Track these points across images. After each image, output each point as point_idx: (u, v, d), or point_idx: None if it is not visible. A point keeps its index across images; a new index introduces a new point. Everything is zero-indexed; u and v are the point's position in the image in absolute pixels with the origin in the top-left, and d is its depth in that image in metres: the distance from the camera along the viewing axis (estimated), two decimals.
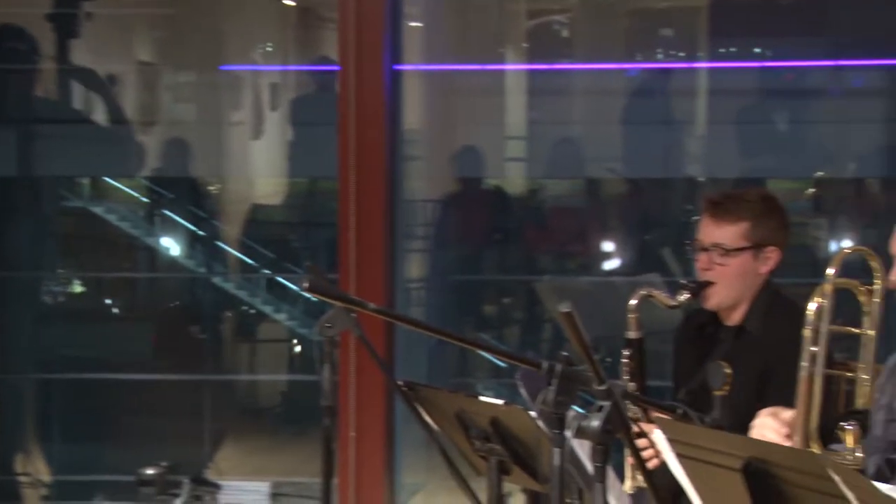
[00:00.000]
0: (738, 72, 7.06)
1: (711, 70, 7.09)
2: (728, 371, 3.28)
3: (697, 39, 7.19)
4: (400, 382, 3.35)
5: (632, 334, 3.54)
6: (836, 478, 2.09)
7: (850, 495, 2.09)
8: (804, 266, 3.33)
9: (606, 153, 7.20)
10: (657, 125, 7.05)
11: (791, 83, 6.99)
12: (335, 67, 5.21)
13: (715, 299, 3.69)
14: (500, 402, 3.11)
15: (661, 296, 3.62)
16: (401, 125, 5.47)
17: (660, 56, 7.32)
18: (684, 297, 3.63)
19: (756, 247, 3.68)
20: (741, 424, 3.26)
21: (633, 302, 3.55)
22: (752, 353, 3.56)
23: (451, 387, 5.01)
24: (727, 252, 3.66)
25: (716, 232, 3.69)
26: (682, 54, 7.29)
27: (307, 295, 3.18)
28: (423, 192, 7.06)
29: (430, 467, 6.02)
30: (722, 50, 7.21)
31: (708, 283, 3.67)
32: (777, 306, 3.69)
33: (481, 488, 3.25)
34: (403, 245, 6.04)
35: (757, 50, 7.08)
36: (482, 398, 3.23)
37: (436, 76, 7.01)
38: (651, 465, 3.20)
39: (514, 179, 7.45)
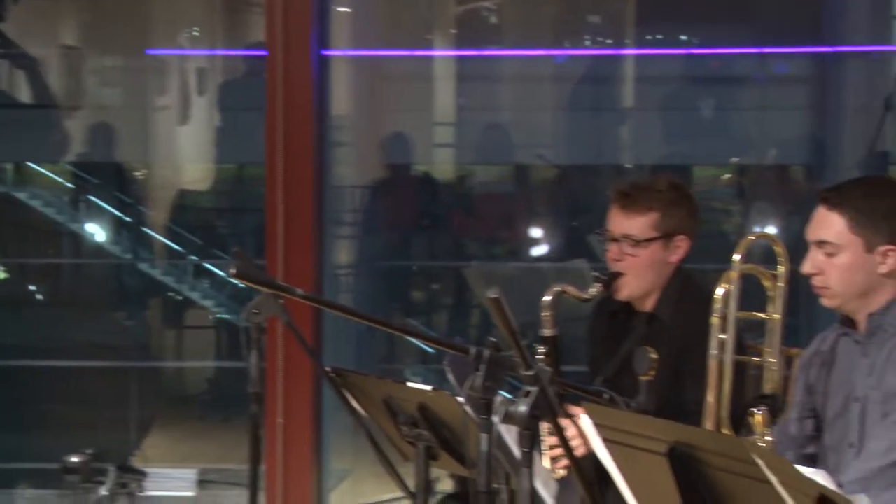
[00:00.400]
0: (664, 58, 7.11)
1: (638, 57, 7.14)
2: (654, 356, 3.30)
3: (625, 26, 7.22)
4: (328, 369, 3.34)
5: (546, 332, 3.50)
6: (760, 462, 2.11)
7: (773, 479, 2.11)
8: (727, 252, 3.35)
9: (535, 139, 7.23)
10: (585, 112, 7.09)
11: (716, 70, 7.05)
12: (263, 53, 5.18)
13: (626, 290, 3.70)
14: (428, 387, 3.12)
15: (575, 291, 3.61)
16: (329, 111, 5.45)
17: (587, 43, 7.35)
18: (596, 289, 3.63)
19: (666, 236, 3.68)
20: (656, 411, 3.29)
21: (546, 299, 3.53)
22: (665, 341, 3.58)
23: (379, 373, 5.00)
24: (637, 243, 3.66)
25: (625, 223, 3.69)
26: (609, 41, 7.32)
27: (234, 281, 3.15)
28: (351, 178, 7.05)
29: (358, 453, 6.02)
30: (649, 37, 7.25)
31: (619, 274, 3.68)
32: (688, 293, 3.70)
33: (409, 474, 3.26)
34: (332, 231, 6.03)
35: (683, 37, 7.13)
36: (410, 384, 3.23)
37: (364, 62, 7.00)
38: (578, 452, 3.21)
39: (442, 165, 7.45)
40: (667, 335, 3.59)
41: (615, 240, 3.70)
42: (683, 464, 2.26)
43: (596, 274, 3.70)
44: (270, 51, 5.08)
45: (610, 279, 3.66)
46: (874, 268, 3.19)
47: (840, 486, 2.53)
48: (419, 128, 7.21)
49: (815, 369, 3.38)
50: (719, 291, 3.28)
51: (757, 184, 7.10)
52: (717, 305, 3.28)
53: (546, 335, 3.50)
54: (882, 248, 3.18)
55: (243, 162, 7.35)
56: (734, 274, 3.27)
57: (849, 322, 3.30)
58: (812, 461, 3.32)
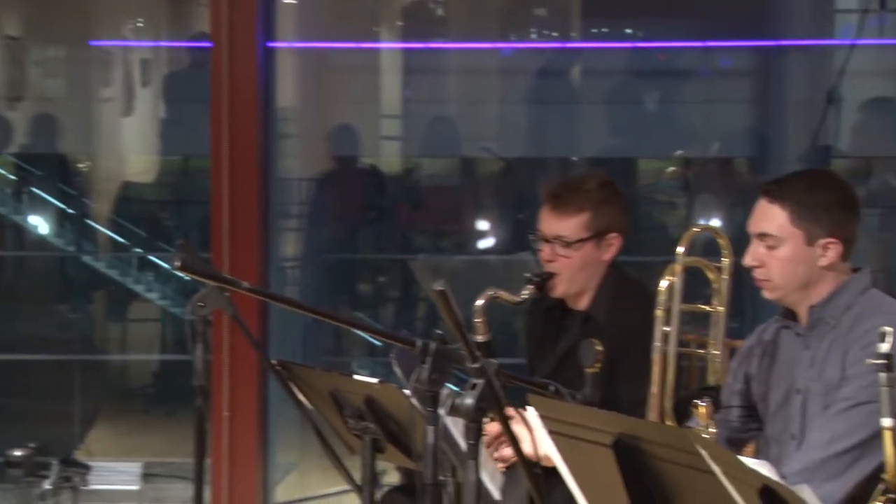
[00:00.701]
0: (609, 52, 7.13)
1: (584, 50, 7.16)
2: (599, 348, 3.32)
3: (570, 20, 7.25)
4: (274, 362, 3.33)
5: (479, 338, 3.48)
6: (704, 453, 2.13)
7: (716, 469, 2.13)
8: (671, 245, 3.36)
9: (481, 132, 7.24)
10: (531, 105, 7.10)
11: (661, 63, 7.09)
12: (208, 44, 5.15)
13: (560, 289, 3.71)
14: (374, 380, 3.12)
15: (507, 296, 3.60)
16: (274, 103, 5.43)
17: (533, 36, 7.37)
18: (529, 291, 3.63)
19: (598, 235, 3.68)
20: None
21: (479, 303, 3.53)
22: (600, 339, 3.59)
23: (325, 366, 5.01)
24: (569, 244, 3.66)
25: (556, 224, 3.68)
26: (555, 34, 7.34)
27: (179, 274, 3.14)
28: (297, 170, 7.03)
29: (304, 446, 6.01)
30: (594, 30, 7.28)
31: (552, 275, 3.68)
32: (622, 290, 3.71)
33: (355, 467, 3.25)
34: (278, 223, 6.01)
35: (628, 31, 7.16)
36: (357, 377, 3.23)
37: (310, 54, 6.98)
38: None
39: (389, 158, 7.45)
40: (601, 335, 3.60)
41: (547, 240, 3.70)
42: (628, 455, 2.27)
43: (528, 275, 3.69)
44: (215, 42, 5.05)
45: (542, 280, 3.66)
46: (815, 260, 3.22)
47: (783, 477, 2.56)
48: (366, 120, 7.20)
49: (756, 361, 3.40)
50: (663, 284, 3.30)
51: (701, 176, 7.14)
52: (662, 298, 3.30)
53: (479, 341, 3.47)
54: (822, 241, 3.21)
55: (188, 154, 7.31)
56: (678, 266, 3.29)
57: (790, 314, 3.33)
58: (741, 446, 3.34)
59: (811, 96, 6.67)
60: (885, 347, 2.56)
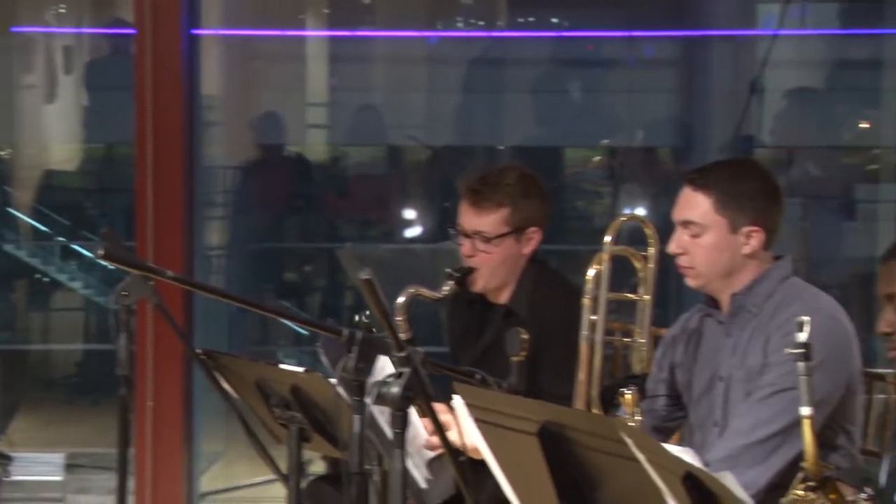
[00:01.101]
0: (536, 41, 7.16)
1: (510, 39, 7.18)
2: (525, 337, 3.33)
3: (497, 9, 7.26)
4: (198, 351, 3.31)
5: (401, 336, 3.49)
6: (628, 440, 2.14)
7: (641, 457, 2.14)
8: (598, 234, 3.38)
9: (407, 121, 7.23)
10: (457, 93, 7.11)
11: (587, 53, 7.12)
12: (131, 31, 5.10)
13: (480, 284, 3.71)
14: (300, 369, 3.10)
15: (428, 292, 3.60)
16: (199, 90, 5.39)
17: (460, 25, 7.38)
18: (449, 287, 3.63)
19: (518, 230, 3.67)
20: None
21: (400, 301, 3.53)
22: None
23: (251, 355, 4.97)
24: (489, 240, 3.66)
25: (476, 220, 3.66)
26: (481, 23, 7.35)
27: (103, 262, 3.11)
28: (223, 158, 6.99)
29: (230, 436, 5.98)
30: (521, 20, 7.30)
31: (472, 270, 3.68)
32: (543, 284, 3.72)
33: (281, 456, 3.24)
34: (203, 212, 5.97)
35: (554, 20, 7.19)
36: (282, 366, 3.21)
37: (235, 41, 6.93)
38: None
39: (315, 146, 7.43)
40: (523, 328, 3.61)
41: (467, 235, 3.69)
42: (554, 443, 2.28)
43: (448, 271, 3.69)
44: (139, 29, 5.00)
45: (463, 275, 3.66)
46: (738, 248, 3.25)
47: (707, 464, 2.58)
48: (291, 108, 7.17)
49: (681, 349, 3.43)
50: (590, 273, 3.32)
51: (626, 165, 7.19)
52: (589, 287, 3.32)
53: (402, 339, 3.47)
54: (746, 229, 3.24)
55: (112, 142, 7.24)
56: (605, 255, 3.30)
57: (713, 302, 3.36)
58: (656, 434, 3.37)
59: (734, 86, 6.73)
60: (803, 337, 2.58)
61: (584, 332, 3.30)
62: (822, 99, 6.93)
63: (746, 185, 3.25)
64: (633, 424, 3.15)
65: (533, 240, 3.72)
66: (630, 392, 3.17)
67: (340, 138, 7.42)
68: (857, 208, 6.77)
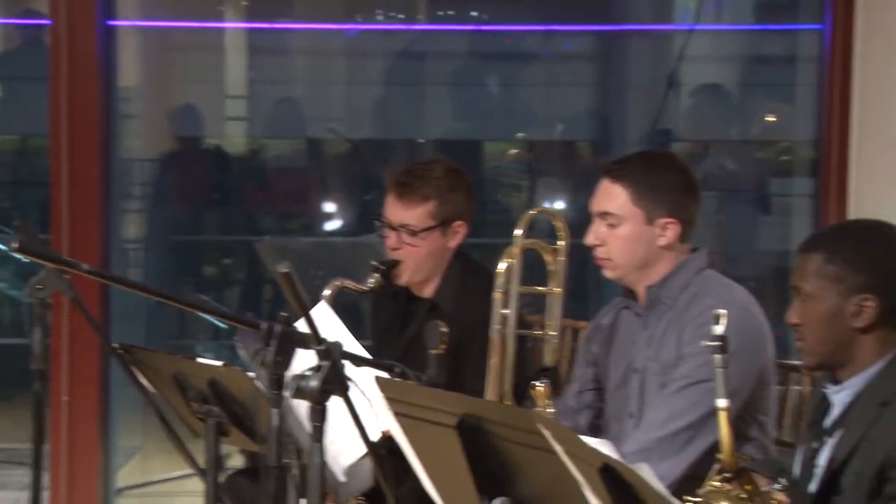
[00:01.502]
0: (454, 34, 7.17)
1: (429, 32, 7.18)
2: (444, 329, 3.33)
3: (416, 2, 7.26)
4: (115, 345, 3.28)
5: None
6: (546, 432, 2.16)
7: (558, 449, 2.16)
8: (514, 227, 3.40)
9: (327, 114, 7.22)
10: (376, 86, 7.10)
11: (505, 47, 7.14)
12: (45, 21, 5.04)
13: (405, 277, 3.71)
14: (218, 363, 3.09)
15: (354, 285, 3.60)
16: (116, 82, 5.34)
17: (379, 17, 7.36)
18: (375, 280, 3.63)
19: (444, 224, 3.68)
20: None
21: (326, 293, 3.53)
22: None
23: (169, 349, 4.94)
24: (415, 233, 3.66)
25: (402, 213, 3.68)
26: (401, 16, 7.35)
27: (17, 256, 3.07)
28: (140, 150, 6.92)
29: (147, 430, 5.94)
30: (440, 13, 7.30)
31: (397, 263, 3.68)
32: (468, 278, 3.73)
33: (199, 450, 3.22)
34: (119, 205, 5.92)
35: (473, 13, 7.20)
36: (200, 360, 3.19)
37: (153, 33, 6.87)
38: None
39: (234, 139, 7.38)
40: (447, 321, 3.62)
41: (393, 228, 3.69)
42: (472, 436, 2.29)
43: (374, 263, 3.69)
44: (54, 20, 4.95)
45: (388, 268, 3.66)
46: (654, 240, 3.28)
47: (624, 456, 2.60)
48: (210, 100, 7.12)
49: (598, 341, 3.46)
50: (501, 266, 3.33)
51: (544, 159, 7.22)
52: (500, 280, 3.33)
53: None
54: (661, 221, 3.27)
55: (26, 134, 7.14)
56: (516, 249, 3.32)
57: (630, 294, 3.39)
58: (593, 431, 3.40)
59: (651, 80, 6.79)
60: (719, 329, 2.61)
61: (496, 325, 3.32)
62: (738, 93, 7.00)
63: (663, 178, 3.28)
64: (550, 416, 3.17)
65: (459, 233, 3.72)
66: (542, 385, 3.19)
67: (259, 131, 7.38)
68: (772, 202, 6.85)
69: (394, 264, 3.67)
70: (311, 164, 7.42)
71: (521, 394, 3.29)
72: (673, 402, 3.15)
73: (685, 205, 3.30)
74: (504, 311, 3.32)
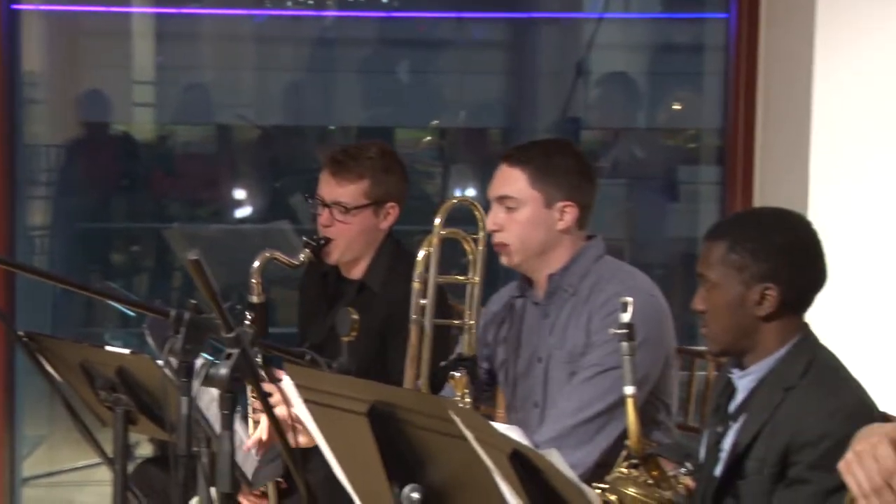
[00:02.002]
0: (366, 20, 7.15)
1: (340, 18, 7.16)
2: (355, 317, 3.33)
3: None
4: (21, 333, 3.24)
5: (254, 298, 3.52)
6: (457, 419, 2.17)
7: (469, 435, 2.17)
8: (428, 215, 3.41)
9: (236, 100, 7.17)
10: (287, 72, 7.07)
11: (417, 34, 7.14)
12: None
13: (335, 255, 3.74)
14: (126, 351, 3.06)
15: (284, 258, 3.63)
16: (20, 67, 5.27)
17: (289, 3, 7.33)
18: (305, 255, 3.66)
19: (376, 203, 3.73)
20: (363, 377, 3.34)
21: (255, 265, 3.54)
22: (374, 308, 3.63)
23: (76, 337, 4.89)
24: (347, 210, 3.70)
25: (336, 190, 3.72)
26: (311, 2, 7.32)
27: None
28: (46, 136, 6.83)
29: (54, 419, 5.88)
30: None
31: (328, 240, 3.71)
32: (398, 261, 3.76)
33: (107, 439, 3.20)
34: (25, 191, 5.84)
35: (384, 0, 7.19)
36: (108, 348, 3.17)
37: (58, 17, 6.78)
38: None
39: (142, 125, 7.31)
40: (375, 303, 3.63)
41: (326, 205, 3.72)
42: (383, 423, 2.29)
43: (305, 239, 3.72)
44: None
45: (319, 245, 3.69)
46: (553, 224, 3.31)
47: (537, 446, 2.62)
48: (117, 86, 7.04)
49: (499, 328, 3.47)
50: (420, 255, 3.34)
51: (456, 146, 7.23)
52: (419, 270, 3.33)
53: (254, 302, 3.51)
54: (560, 204, 3.30)
55: None
56: (435, 238, 3.33)
57: (528, 283, 3.41)
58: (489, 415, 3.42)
59: (561, 68, 6.82)
60: (626, 317, 2.64)
61: (414, 315, 3.33)
62: (646, 81, 7.06)
63: (561, 161, 3.31)
64: (468, 405, 3.18)
65: (391, 215, 3.78)
66: (459, 374, 3.20)
67: (168, 117, 7.31)
68: (680, 189, 6.92)
69: (325, 242, 3.70)
70: (221, 151, 7.36)
71: (440, 383, 3.30)
72: (584, 391, 3.17)
73: (582, 189, 3.34)
74: (423, 301, 3.32)
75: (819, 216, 4.60)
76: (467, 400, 3.24)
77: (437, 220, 3.31)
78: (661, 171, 6.95)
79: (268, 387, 2.62)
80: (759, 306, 2.75)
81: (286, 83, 7.13)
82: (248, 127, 7.21)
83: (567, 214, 3.30)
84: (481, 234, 3.35)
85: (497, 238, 3.33)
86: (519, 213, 3.30)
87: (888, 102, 4.70)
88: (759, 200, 5.08)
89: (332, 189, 3.72)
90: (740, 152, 5.12)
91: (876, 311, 4.72)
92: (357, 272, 3.79)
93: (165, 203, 7.15)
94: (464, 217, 3.41)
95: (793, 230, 2.83)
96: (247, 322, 3.55)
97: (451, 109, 7.24)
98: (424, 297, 3.32)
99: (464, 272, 3.36)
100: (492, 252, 3.41)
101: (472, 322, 3.32)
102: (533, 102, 6.97)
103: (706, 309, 2.80)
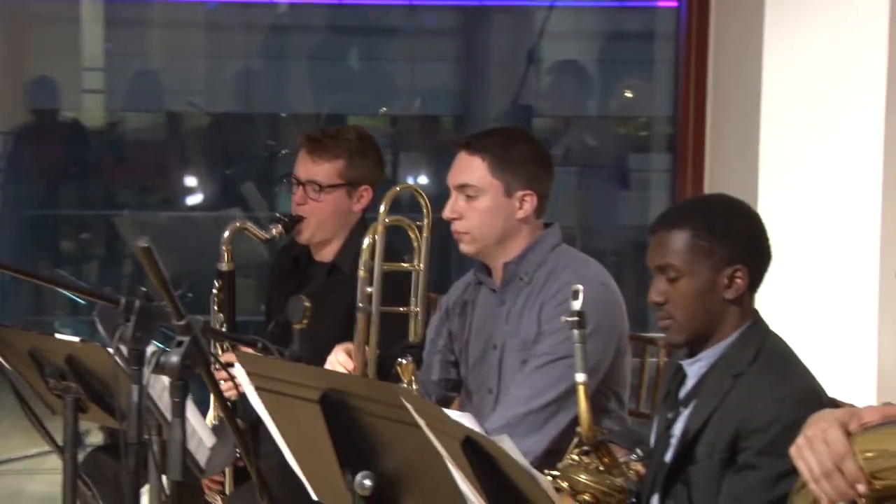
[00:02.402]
0: (316, 8, 7.14)
1: (291, 5, 7.14)
2: (307, 305, 3.33)
3: None
4: None
5: (223, 266, 3.57)
6: (410, 406, 2.17)
7: (421, 422, 2.17)
8: (379, 202, 3.41)
9: (186, 87, 7.14)
10: (237, 59, 7.05)
11: (368, 21, 7.13)
12: None
13: (307, 233, 3.76)
14: (76, 339, 3.05)
15: (255, 229, 3.66)
16: None
17: None
18: (277, 230, 3.69)
19: (350, 185, 3.76)
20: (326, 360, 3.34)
21: (226, 234, 3.57)
22: (343, 291, 3.63)
23: (25, 325, 4.85)
24: (322, 189, 3.73)
25: (312, 168, 3.74)
26: None
27: None
28: None
29: (2, 408, 5.83)
30: None
31: (301, 218, 3.74)
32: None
33: (57, 428, 3.18)
34: None
35: None
36: (57, 335, 3.15)
37: (6, 3, 6.73)
38: (230, 395, 3.22)
39: (91, 112, 7.27)
40: (345, 286, 3.63)
41: (301, 184, 3.74)
42: (336, 410, 2.29)
43: (278, 215, 3.75)
44: None
45: (291, 223, 3.71)
46: (513, 212, 3.31)
47: (488, 433, 2.62)
48: (66, 73, 7.00)
49: (456, 316, 3.48)
50: (365, 242, 3.34)
51: (406, 134, 7.24)
52: (364, 257, 3.33)
53: (223, 270, 3.55)
54: (520, 193, 3.30)
55: None
56: (380, 226, 3.32)
57: (486, 270, 3.41)
58: (444, 404, 3.42)
59: (512, 56, 6.84)
60: (577, 305, 2.65)
61: (360, 303, 3.32)
62: (597, 69, 7.09)
63: (519, 150, 3.32)
64: (415, 392, 3.18)
65: (364, 198, 3.79)
66: (406, 361, 3.20)
67: (118, 104, 7.28)
68: (631, 177, 6.96)
69: (298, 219, 3.72)
70: (171, 138, 7.34)
71: (387, 370, 3.30)
72: (535, 379, 3.18)
73: (541, 177, 3.34)
74: (368, 289, 3.32)
75: (768, 203, 4.65)
76: (415, 387, 3.24)
77: (382, 208, 3.31)
78: (613, 158, 6.98)
79: (220, 374, 2.61)
80: (728, 289, 2.77)
81: (237, 70, 7.10)
82: (198, 114, 7.19)
83: (526, 203, 3.30)
84: (426, 222, 3.35)
85: (456, 226, 3.33)
86: (478, 201, 3.30)
87: (836, 91, 4.74)
88: (709, 188, 5.11)
89: (307, 167, 3.75)
90: (691, 140, 5.14)
91: (823, 298, 4.76)
92: (328, 254, 3.81)
93: (115, 190, 7.11)
94: (415, 205, 3.41)
95: (746, 213, 2.86)
96: (214, 290, 3.56)
97: (402, 97, 7.24)
98: (370, 284, 3.31)
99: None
100: (444, 239, 3.41)
101: (417, 309, 3.31)
102: (484, 90, 6.98)
103: (668, 300, 2.80)
